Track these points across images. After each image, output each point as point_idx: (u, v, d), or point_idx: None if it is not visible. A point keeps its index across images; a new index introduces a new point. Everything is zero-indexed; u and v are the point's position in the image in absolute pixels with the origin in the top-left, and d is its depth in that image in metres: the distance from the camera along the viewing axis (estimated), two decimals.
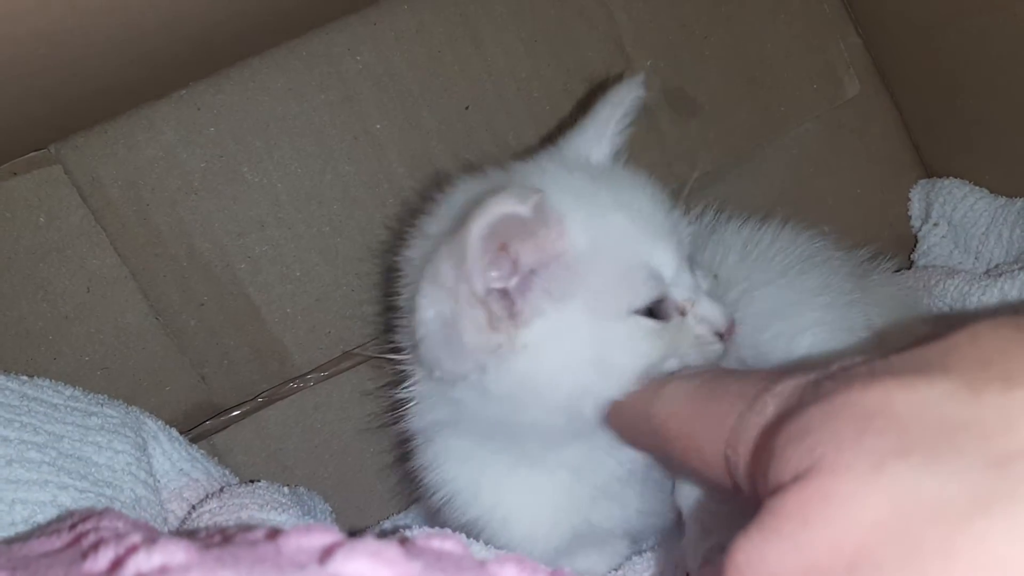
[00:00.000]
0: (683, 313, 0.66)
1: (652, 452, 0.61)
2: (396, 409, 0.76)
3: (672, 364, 0.64)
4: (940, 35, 0.92)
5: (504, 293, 0.63)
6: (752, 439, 0.44)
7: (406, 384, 0.73)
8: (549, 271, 0.63)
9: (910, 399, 0.35)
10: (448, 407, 0.70)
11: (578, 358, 0.63)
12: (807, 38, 1.01)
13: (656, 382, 0.59)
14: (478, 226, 0.57)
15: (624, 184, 0.70)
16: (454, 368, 0.64)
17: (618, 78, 0.78)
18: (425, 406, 0.73)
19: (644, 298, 0.65)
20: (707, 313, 0.67)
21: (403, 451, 0.82)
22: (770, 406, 0.43)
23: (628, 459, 0.70)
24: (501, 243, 0.60)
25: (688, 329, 0.66)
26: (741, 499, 0.42)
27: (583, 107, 0.87)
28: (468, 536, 0.73)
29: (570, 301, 0.63)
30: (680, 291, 0.67)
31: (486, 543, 0.72)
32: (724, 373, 0.54)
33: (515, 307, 0.63)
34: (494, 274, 0.62)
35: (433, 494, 0.75)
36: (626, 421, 0.62)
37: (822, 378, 0.41)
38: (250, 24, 0.76)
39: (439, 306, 0.63)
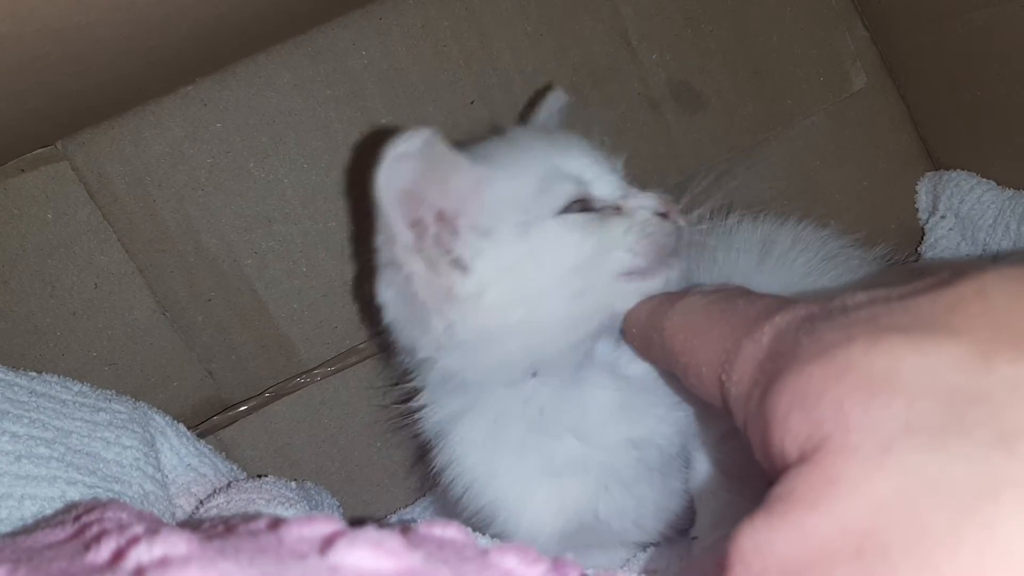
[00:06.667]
0: (618, 209, 0.69)
1: (659, 365, 0.62)
2: (411, 417, 0.78)
3: (624, 257, 0.66)
4: (947, 27, 0.92)
5: (440, 243, 0.66)
6: (746, 368, 0.43)
7: (416, 397, 0.77)
8: (470, 211, 0.66)
9: (918, 364, 0.34)
10: (452, 397, 0.73)
11: (527, 275, 0.66)
12: (813, 31, 1.01)
13: (673, 294, 0.60)
14: (380, 179, 0.62)
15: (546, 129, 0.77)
16: (427, 336, 0.68)
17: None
18: (435, 407, 0.75)
19: (563, 197, 0.67)
20: (640, 201, 0.69)
21: (421, 449, 0.82)
22: (767, 336, 0.43)
23: (640, 429, 0.71)
24: (414, 197, 0.65)
25: (630, 219, 0.68)
26: (752, 481, 0.42)
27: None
28: (476, 529, 0.73)
29: (500, 228, 0.66)
30: (606, 190, 0.70)
31: (495, 536, 0.72)
32: (737, 293, 0.53)
33: (454, 255, 0.66)
34: (415, 223, 0.66)
35: (452, 488, 0.76)
36: (639, 331, 0.63)
37: (820, 317, 0.40)
38: (256, 20, 0.76)
39: (393, 285, 0.68)
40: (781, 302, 0.45)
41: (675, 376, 0.57)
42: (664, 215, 0.68)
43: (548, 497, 0.72)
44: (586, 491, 0.72)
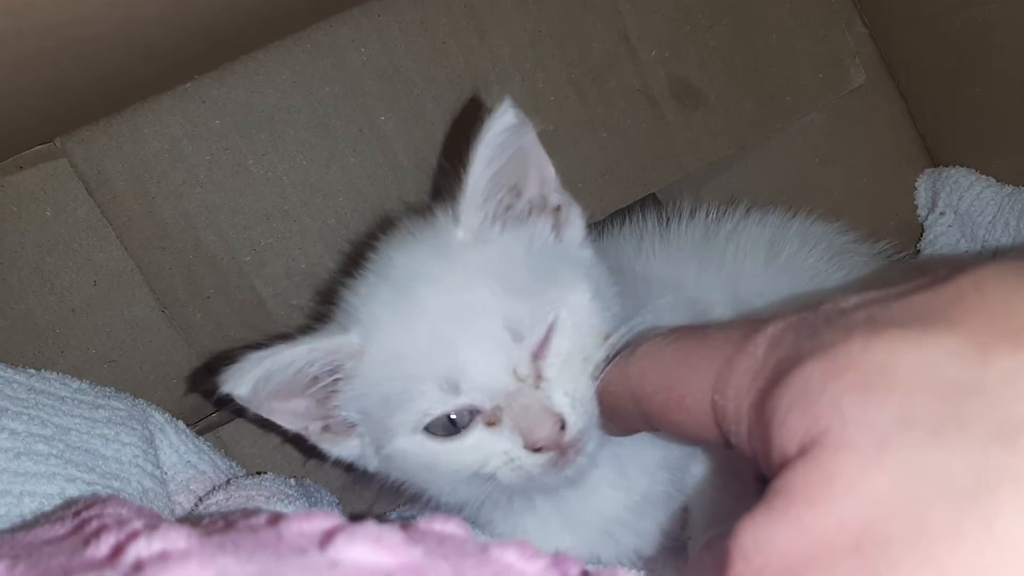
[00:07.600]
0: (492, 423, 0.60)
1: (632, 417, 0.56)
2: None
3: (489, 483, 0.61)
4: (946, 24, 0.92)
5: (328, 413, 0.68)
6: (743, 381, 0.43)
7: None
8: (341, 389, 0.66)
9: (915, 359, 0.34)
10: None
11: (398, 466, 0.66)
12: (812, 27, 1.01)
13: (633, 344, 0.57)
14: (241, 400, 0.64)
15: (433, 291, 0.62)
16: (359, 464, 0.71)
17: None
18: None
19: (411, 425, 0.61)
20: (519, 422, 0.58)
21: None
22: (761, 347, 0.42)
23: (638, 488, 0.70)
24: (282, 395, 0.66)
25: (496, 443, 0.60)
26: (742, 478, 0.42)
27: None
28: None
29: (367, 415, 0.66)
30: (484, 395, 0.59)
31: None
32: (701, 326, 0.51)
33: (335, 425, 0.68)
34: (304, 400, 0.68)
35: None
36: (604, 394, 0.60)
37: (817, 320, 0.40)
38: (254, 17, 0.76)
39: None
40: (760, 319, 0.45)
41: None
42: (538, 449, 0.58)
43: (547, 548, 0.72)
44: (589, 541, 0.71)
